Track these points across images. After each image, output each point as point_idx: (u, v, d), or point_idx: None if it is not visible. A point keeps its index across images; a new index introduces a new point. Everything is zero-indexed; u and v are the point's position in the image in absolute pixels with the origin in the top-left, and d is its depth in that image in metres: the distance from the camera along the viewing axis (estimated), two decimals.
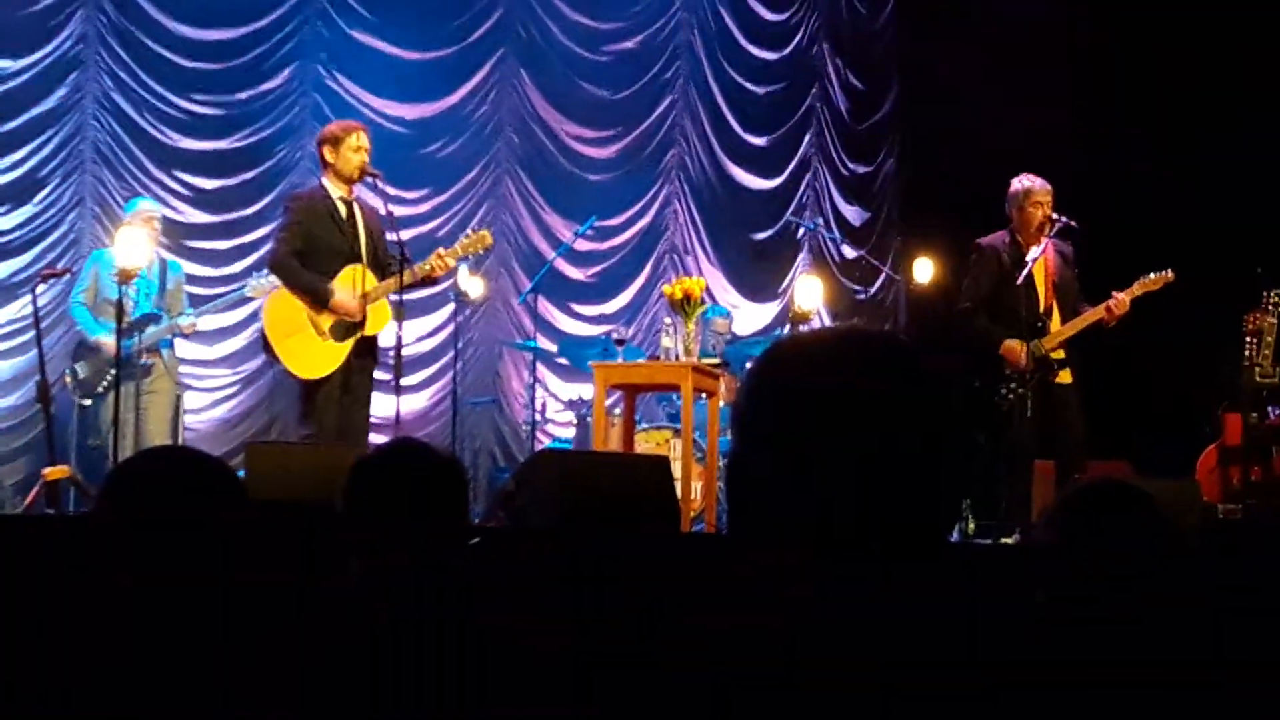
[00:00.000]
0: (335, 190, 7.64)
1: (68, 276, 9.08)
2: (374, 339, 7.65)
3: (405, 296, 7.71)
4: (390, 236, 7.73)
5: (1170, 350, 10.57)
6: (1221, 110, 11.05)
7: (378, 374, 7.85)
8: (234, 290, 9.18)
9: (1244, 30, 10.98)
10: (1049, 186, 8.09)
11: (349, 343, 7.50)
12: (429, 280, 7.80)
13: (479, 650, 2.48)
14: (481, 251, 8.10)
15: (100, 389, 8.44)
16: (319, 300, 7.47)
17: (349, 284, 7.51)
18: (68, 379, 8.58)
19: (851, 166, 12.93)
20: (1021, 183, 8.13)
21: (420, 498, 2.78)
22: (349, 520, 2.80)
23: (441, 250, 7.84)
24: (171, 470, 2.48)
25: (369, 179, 7.67)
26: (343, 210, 7.64)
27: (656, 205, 12.23)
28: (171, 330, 8.62)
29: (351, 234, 7.62)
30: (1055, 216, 7.98)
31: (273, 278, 7.88)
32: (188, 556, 2.35)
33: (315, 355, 7.50)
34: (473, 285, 8.32)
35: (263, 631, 2.40)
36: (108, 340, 8.33)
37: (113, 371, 8.18)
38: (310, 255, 7.55)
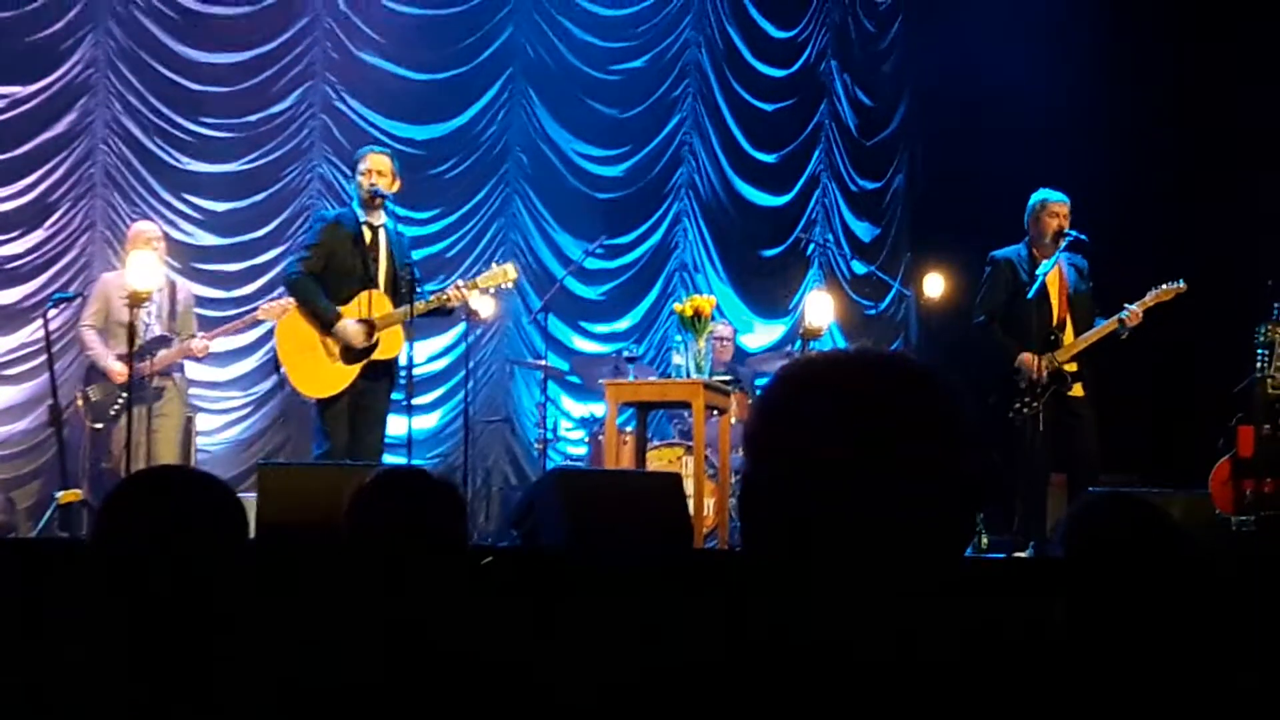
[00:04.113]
0: (361, 214, 7.71)
1: (79, 300, 9.09)
2: (389, 362, 7.67)
3: (417, 319, 7.73)
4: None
5: (1184, 363, 10.56)
6: (1234, 123, 11.04)
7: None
8: (246, 311, 9.21)
9: (1253, 37, 10.98)
10: (1066, 199, 8.11)
11: (357, 366, 7.53)
12: (443, 310, 7.82)
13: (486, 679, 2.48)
14: (504, 286, 8.11)
15: (112, 412, 8.44)
16: (325, 324, 7.52)
17: (358, 310, 7.55)
18: (80, 403, 8.58)
19: (861, 182, 12.93)
20: (1039, 194, 8.16)
21: (418, 522, 2.78)
22: (351, 545, 2.80)
23: (461, 282, 7.89)
24: (171, 491, 2.47)
25: (381, 200, 7.70)
26: (366, 235, 7.68)
27: (666, 223, 12.24)
28: (183, 353, 8.62)
29: (372, 259, 7.65)
30: (1067, 230, 8.00)
31: (286, 299, 7.94)
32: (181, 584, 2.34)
33: (322, 375, 7.54)
34: (483, 305, 8.32)
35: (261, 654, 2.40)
36: (119, 369, 8.33)
37: (124, 395, 8.20)
38: (328, 276, 7.62)
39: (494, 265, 8.22)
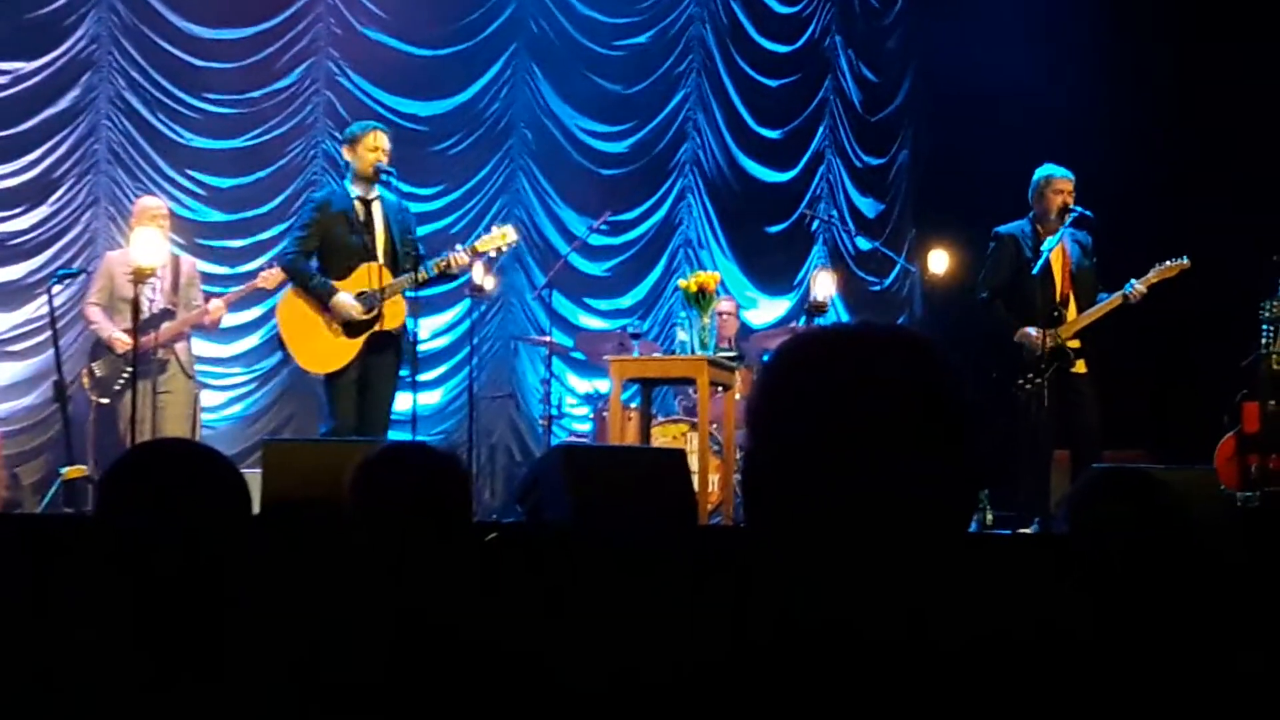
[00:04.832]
0: (354, 190, 7.71)
1: (83, 277, 9.11)
2: (394, 335, 7.66)
3: (424, 292, 7.74)
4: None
5: (1188, 338, 10.55)
6: (1240, 100, 11.01)
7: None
8: (247, 277, 9.24)
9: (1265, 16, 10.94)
10: (1070, 175, 8.10)
11: (360, 339, 7.53)
12: (445, 276, 7.83)
13: (489, 657, 2.48)
14: (504, 247, 8.08)
15: (117, 387, 8.45)
16: (321, 302, 7.54)
17: (360, 283, 7.56)
18: (85, 378, 8.60)
19: (865, 159, 12.90)
20: (1044, 170, 8.15)
21: (422, 497, 2.78)
22: (355, 519, 2.80)
23: (460, 246, 7.88)
24: (172, 464, 2.46)
25: (385, 176, 7.70)
26: (360, 210, 7.68)
27: (670, 199, 12.22)
28: (193, 320, 8.61)
29: (368, 233, 7.65)
30: (1072, 206, 7.98)
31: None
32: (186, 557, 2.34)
33: (325, 350, 7.55)
34: (485, 279, 8.33)
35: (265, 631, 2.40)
36: (121, 338, 8.36)
37: (130, 369, 8.21)
38: (326, 254, 7.64)
39: (493, 228, 8.19)
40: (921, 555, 1.50)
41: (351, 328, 7.55)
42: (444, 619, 2.59)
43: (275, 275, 8.50)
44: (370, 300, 7.55)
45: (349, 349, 7.54)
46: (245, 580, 2.39)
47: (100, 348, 8.59)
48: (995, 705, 1.53)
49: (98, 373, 8.55)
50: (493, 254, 8.11)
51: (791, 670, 1.49)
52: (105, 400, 8.51)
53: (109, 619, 2.29)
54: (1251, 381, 9.13)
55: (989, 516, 8.51)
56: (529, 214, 11.62)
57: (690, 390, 9.16)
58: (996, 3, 11.52)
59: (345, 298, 7.53)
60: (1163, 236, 8.84)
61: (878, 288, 12.57)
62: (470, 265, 8.07)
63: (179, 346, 8.65)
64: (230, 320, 9.96)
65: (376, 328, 7.56)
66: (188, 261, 8.96)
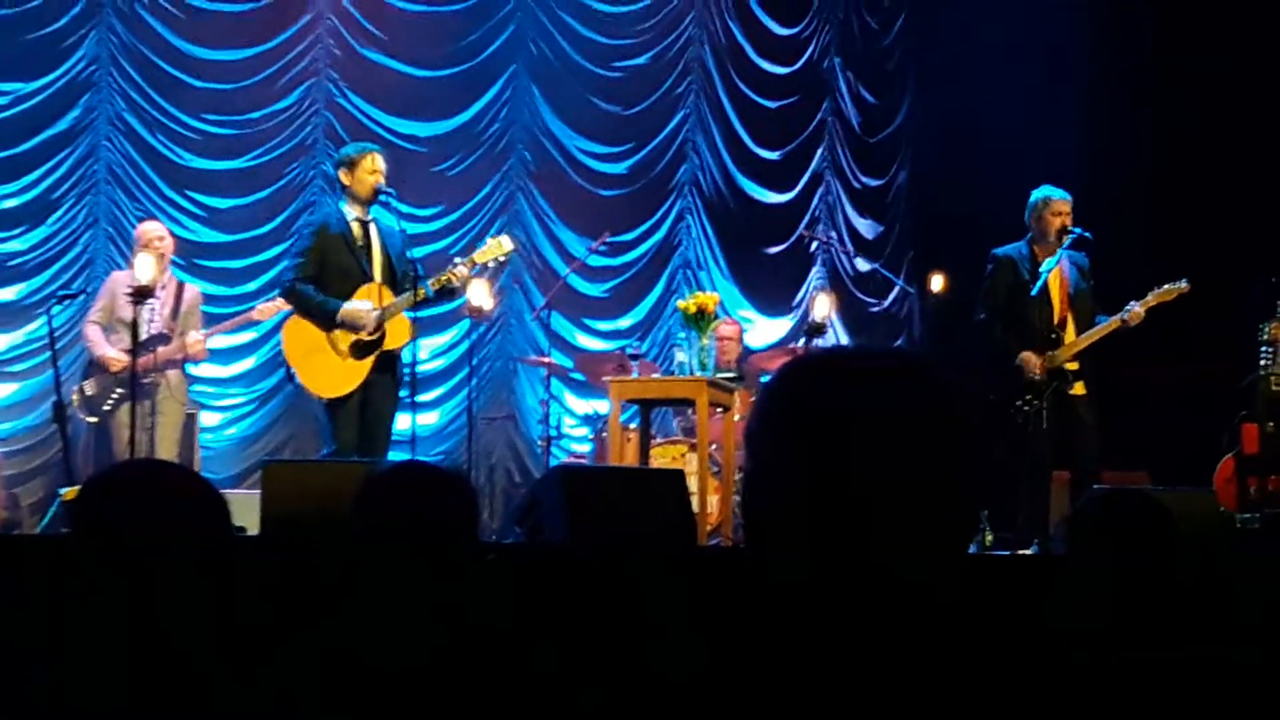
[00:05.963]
0: (351, 212, 7.69)
1: (82, 298, 9.12)
2: (395, 355, 7.65)
3: (424, 313, 7.72)
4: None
5: (1187, 360, 10.55)
6: (1238, 122, 11.02)
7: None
8: (243, 309, 9.24)
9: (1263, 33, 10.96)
10: (1069, 197, 8.10)
11: (368, 360, 7.51)
12: (447, 293, 7.80)
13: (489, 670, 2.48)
14: (501, 258, 8.06)
15: (107, 406, 8.44)
16: (328, 320, 7.50)
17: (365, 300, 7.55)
18: (76, 397, 8.59)
19: (864, 180, 12.91)
20: (1042, 192, 8.15)
21: (429, 515, 2.77)
22: (361, 538, 2.79)
23: (459, 259, 7.86)
24: (143, 483, 2.45)
25: (384, 197, 7.70)
26: (357, 231, 7.67)
27: (670, 220, 12.22)
28: (181, 349, 8.59)
29: (365, 255, 7.65)
30: (1070, 228, 7.99)
31: (281, 301, 8.00)
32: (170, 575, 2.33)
33: (335, 374, 7.52)
34: (484, 299, 8.32)
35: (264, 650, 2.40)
36: (115, 356, 8.36)
37: (119, 389, 8.22)
38: (324, 279, 7.60)
39: (488, 239, 8.18)
40: (922, 577, 1.50)
41: (358, 349, 7.52)
42: (445, 639, 2.59)
43: (270, 309, 8.52)
44: (379, 315, 7.54)
45: (357, 372, 7.51)
46: (233, 598, 2.39)
47: (93, 366, 8.60)
48: None
49: (88, 391, 8.56)
50: (491, 265, 8.08)
51: (790, 690, 1.49)
52: (94, 419, 8.52)
53: (105, 638, 2.29)
54: (1250, 403, 9.12)
55: (988, 538, 8.50)
56: (528, 235, 11.63)
57: (689, 411, 9.16)
58: (995, 25, 11.54)
59: (355, 304, 7.50)
60: (1162, 259, 8.85)
61: (876, 309, 12.58)
62: (470, 278, 8.01)
63: (170, 372, 8.64)
64: (229, 341, 9.96)
65: (381, 349, 7.55)
66: (191, 290, 8.94)
